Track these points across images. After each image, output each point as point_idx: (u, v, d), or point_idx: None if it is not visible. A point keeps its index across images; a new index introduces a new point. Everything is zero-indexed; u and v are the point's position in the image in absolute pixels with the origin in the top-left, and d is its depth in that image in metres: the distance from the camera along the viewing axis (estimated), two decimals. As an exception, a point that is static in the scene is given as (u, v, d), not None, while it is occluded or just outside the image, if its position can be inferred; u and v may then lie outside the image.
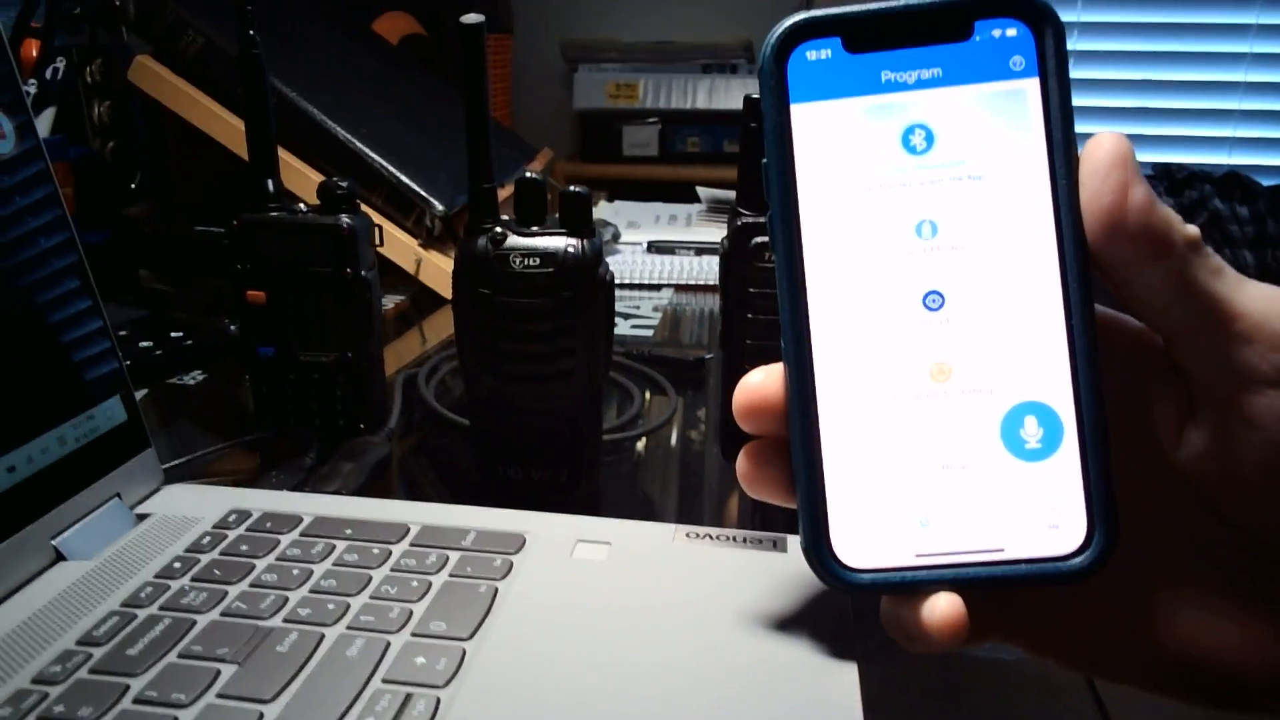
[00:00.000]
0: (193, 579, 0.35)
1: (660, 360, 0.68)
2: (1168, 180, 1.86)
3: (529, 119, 2.18)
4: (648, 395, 0.64)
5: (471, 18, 0.43)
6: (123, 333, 0.66)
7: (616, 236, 0.97)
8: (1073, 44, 2.04)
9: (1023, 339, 0.26)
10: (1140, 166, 0.25)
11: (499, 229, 0.44)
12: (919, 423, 0.26)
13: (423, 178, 0.84)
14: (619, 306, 0.84)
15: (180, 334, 0.68)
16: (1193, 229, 0.24)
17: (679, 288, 0.90)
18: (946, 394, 0.26)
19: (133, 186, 0.94)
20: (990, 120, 0.26)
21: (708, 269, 0.91)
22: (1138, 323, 0.26)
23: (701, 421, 0.61)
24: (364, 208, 0.82)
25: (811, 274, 0.26)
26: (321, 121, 0.82)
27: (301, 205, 0.51)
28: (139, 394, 0.61)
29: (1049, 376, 0.26)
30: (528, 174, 0.45)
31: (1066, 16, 2.02)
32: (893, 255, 0.26)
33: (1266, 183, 1.82)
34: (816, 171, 0.26)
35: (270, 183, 0.52)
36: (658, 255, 0.96)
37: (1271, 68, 1.98)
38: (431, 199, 0.83)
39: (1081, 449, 0.26)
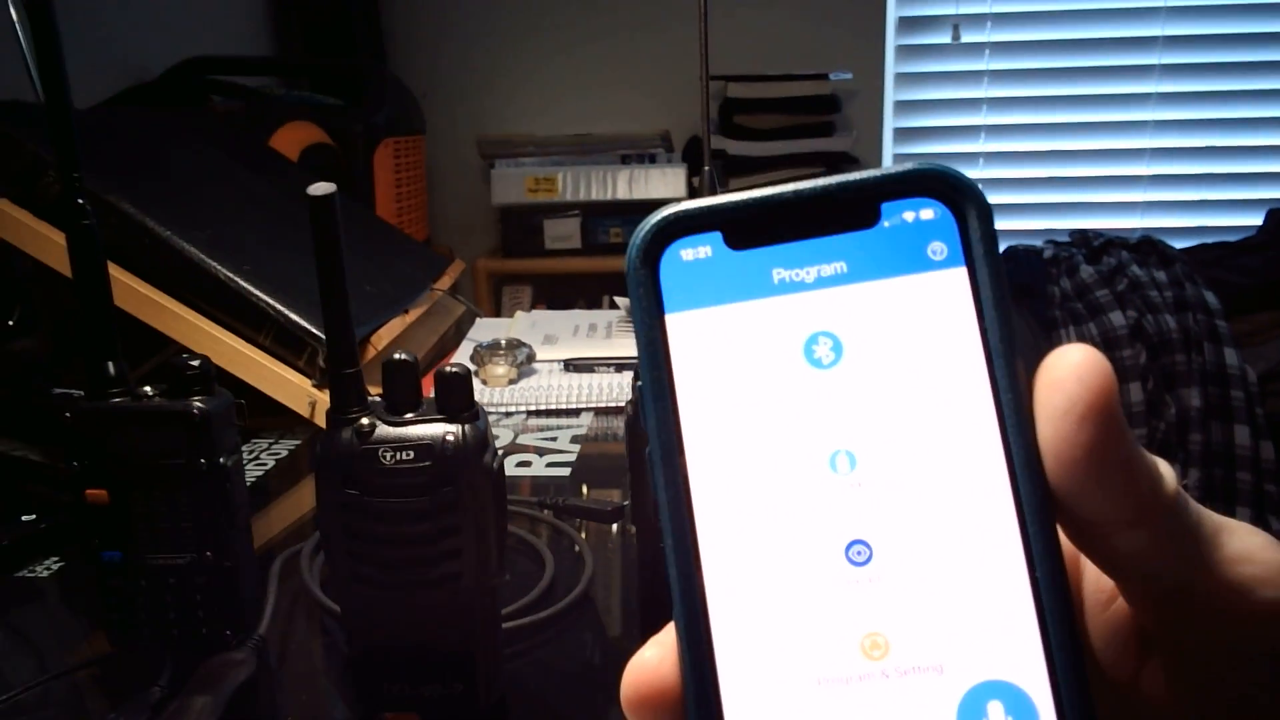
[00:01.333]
0: None
1: (574, 510, 0.62)
2: (1086, 248, 1.88)
3: (447, 217, 2.14)
4: (578, 548, 0.58)
5: (321, 188, 0.38)
6: (-38, 520, 0.59)
7: (531, 357, 0.91)
8: (982, 119, 2.07)
9: (976, 599, 0.20)
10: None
11: (365, 419, 0.39)
12: (851, 714, 0.20)
13: (314, 312, 0.78)
14: (533, 440, 0.79)
15: (34, 516, 0.60)
16: (1170, 480, 0.19)
17: (599, 411, 0.85)
18: (884, 675, 0.20)
19: (10, 323, 0.87)
20: (910, 322, 0.21)
21: (630, 386, 0.86)
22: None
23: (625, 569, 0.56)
24: (250, 351, 0.76)
25: (704, 523, 0.21)
26: (200, 261, 0.76)
27: (148, 389, 0.45)
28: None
29: (1015, 647, 0.20)
30: (397, 355, 0.40)
31: (972, 93, 2.06)
32: (803, 496, 0.21)
33: (1177, 245, 1.86)
34: (702, 394, 0.21)
35: (111, 364, 0.46)
36: (576, 374, 0.91)
37: (1172, 133, 2.04)
38: (323, 335, 0.77)
39: None
